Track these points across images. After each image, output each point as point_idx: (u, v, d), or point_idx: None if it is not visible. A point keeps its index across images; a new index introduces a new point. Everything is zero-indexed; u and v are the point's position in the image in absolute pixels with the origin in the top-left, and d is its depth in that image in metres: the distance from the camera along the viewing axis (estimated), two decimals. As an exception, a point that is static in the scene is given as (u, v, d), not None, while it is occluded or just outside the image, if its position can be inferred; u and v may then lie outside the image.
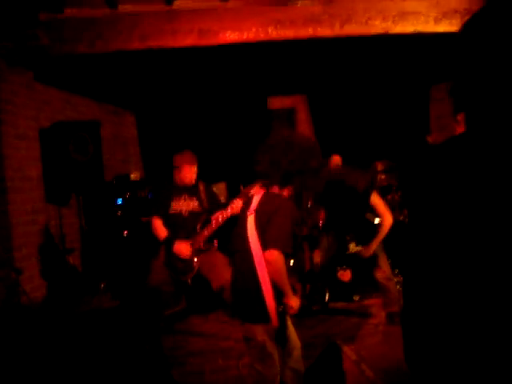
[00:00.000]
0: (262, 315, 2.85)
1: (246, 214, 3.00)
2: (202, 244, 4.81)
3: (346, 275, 5.52)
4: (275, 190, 3.03)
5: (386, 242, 5.31)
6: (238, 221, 3.22)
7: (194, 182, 4.96)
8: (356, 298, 5.56)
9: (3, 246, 4.67)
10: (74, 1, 4.59)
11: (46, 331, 4.36)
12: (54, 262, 5.48)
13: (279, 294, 2.87)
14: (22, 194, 4.89)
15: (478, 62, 1.08)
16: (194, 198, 4.98)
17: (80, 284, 5.54)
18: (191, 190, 4.99)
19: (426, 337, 1.12)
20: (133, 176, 6.95)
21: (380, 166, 6.56)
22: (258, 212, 2.94)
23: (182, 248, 4.77)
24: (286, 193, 3.02)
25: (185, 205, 4.95)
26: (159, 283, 4.93)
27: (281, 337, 2.93)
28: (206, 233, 4.81)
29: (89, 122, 6.28)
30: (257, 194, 3.08)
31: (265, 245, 2.82)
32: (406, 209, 6.12)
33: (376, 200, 4.81)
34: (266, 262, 2.79)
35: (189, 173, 4.90)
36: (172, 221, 4.92)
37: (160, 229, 4.90)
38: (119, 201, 6.55)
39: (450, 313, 1.06)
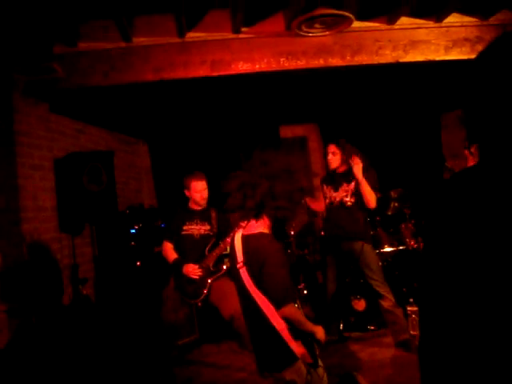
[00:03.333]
0: (287, 359, 2.82)
1: (236, 266, 2.94)
2: (211, 265, 4.82)
3: (360, 304, 5.47)
4: (252, 226, 2.99)
5: (388, 272, 5.25)
6: (232, 270, 3.17)
7: (205, 200, 5.00)
8: (371, 327, 5.48)
9: (17, 277, 4.68)
10: (87, 34, 4.68)
11: (60, 363, 4.34)
12: (67, 293, 5.48)
13: (300, 331, 2.86)
14: (36, 224, 4.92)
15: (495, 90, 1.07)
16: (206, 223, 5.04)
17: (93, 314, 5.52)
18: (203, 215, 5.06)
19: (444, 369, 1.10)
20: (146, 206, 6.97)
21: (393, 194, 6.54)
22: (247, 264, 2.88)
23: (191, 268, 4.80)
24: (265, 226, 2.98)
25: (196, 228, 5.01)
26: (172, 313, 4.92)
27: (314, 363, 2.92)
28: (214, 254, 4.85)
29: (102, 152, 6.34)
30: (236, 237, 3.01)
31: (268, 296, 2.79)
32: (420, 237, 6.07)
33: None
34: (284, 319, 2.79)
35: (198, 190, 4.96)
36: (184, 242, 4.99)
37: (170, 252, 4.99)
38: (132, 231, 6.56)
39: (469, 345, 1.04)
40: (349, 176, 4.99)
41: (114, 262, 6.47)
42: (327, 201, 5.23)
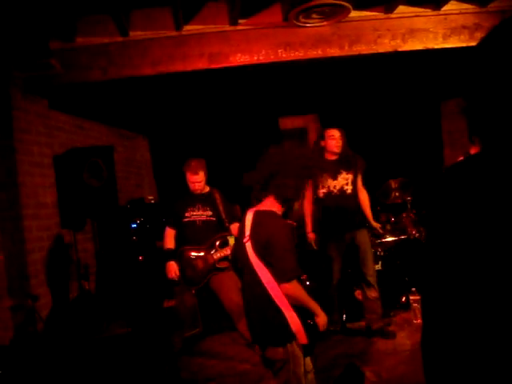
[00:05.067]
0: (284, 336, 2.83)
1: (243, 240, 2.95)
2: (216, 259, 4.75)
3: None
4: (264, 205, 3.03)
5: (390, 261, 5.24)
6: (236, 244, 3.21)
7: (201, 188, 4.92)
8: (374, 317, 5.49)
9: (19, 273, 4.69)
10: (84, 29, 4.67)
11: (63, 358, 4.36)
12: (69, 288, 5.49)
13: (303, 311, 2.86)
14: (38, 221, 4.92)
15: (498, 78, 1.05)
16: (208, 208, 4.94)
17: (96, 309, 5.54)
18: (205, 200, 4.96)
19: (448, 359, 1.10)
20: (147, 200, 6.97)
21: (394, 184, 6.50)
22: (253, 238, 2.90)
23: (171, 268, 4.75)
24: (277, 208, 3.00)
25: (198, 214, 4.93)
26: (181, 305, 4.91)
27: (310, 350, 2.92)
28: (224, 251, 4.78)
29: (102, 148, 6.32)
30: (249, 213, 3.06)
31: (272, 269, 2.80)
32: (421, 226, 6.07)
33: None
34: (285, 295, 2.79)
35: (190, 181, 4.89)
36: (186, 229, 4.91)
37: (167, 239, 4.94)
38: (134, 225, 6.56)
39: (473, 335, 1.04)
40: (346, 164, 4.97)
41: (116, 256, 6.48)
42: (324, 190, 5.06)
